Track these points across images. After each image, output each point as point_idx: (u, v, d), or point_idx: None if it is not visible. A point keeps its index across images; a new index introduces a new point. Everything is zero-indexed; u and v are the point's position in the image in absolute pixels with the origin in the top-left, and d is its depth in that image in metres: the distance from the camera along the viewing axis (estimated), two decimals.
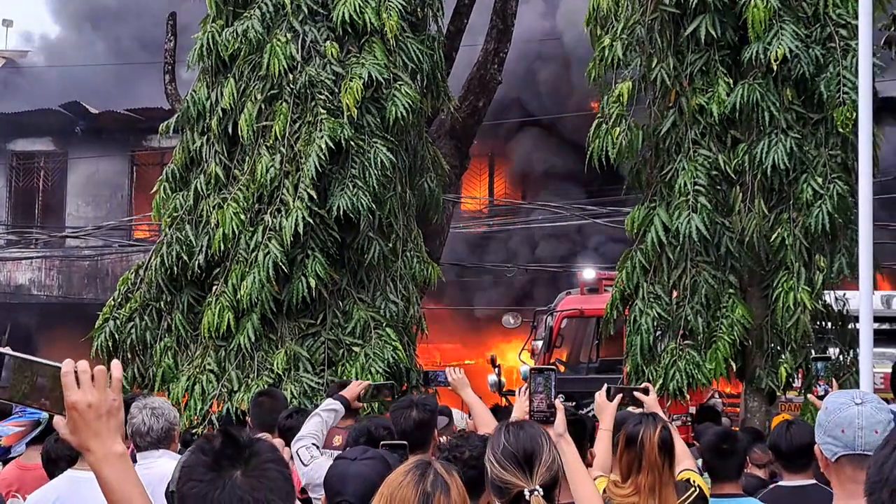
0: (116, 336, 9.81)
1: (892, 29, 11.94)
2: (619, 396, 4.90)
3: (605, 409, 4.84)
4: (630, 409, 5.00)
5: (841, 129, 8.97)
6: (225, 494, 2.19)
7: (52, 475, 5.21)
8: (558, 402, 4.16)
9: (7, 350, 2.20)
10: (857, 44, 7.69)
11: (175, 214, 9.80)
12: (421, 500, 2.78)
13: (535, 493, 3.23)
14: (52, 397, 2.16)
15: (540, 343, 16.77)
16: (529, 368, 4.76)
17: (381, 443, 4.69)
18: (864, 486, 3.14)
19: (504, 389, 16.20)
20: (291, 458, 5.26)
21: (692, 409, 11.80)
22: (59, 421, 2.17)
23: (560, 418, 4.02)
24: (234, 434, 2.32)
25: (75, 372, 2.15)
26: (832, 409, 3.19)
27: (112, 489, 2.12)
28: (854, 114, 8.52)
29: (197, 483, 2.21)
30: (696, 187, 9.16)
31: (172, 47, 13.12)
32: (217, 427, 8.27)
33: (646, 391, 5.09)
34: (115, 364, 2.21)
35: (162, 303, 9.83)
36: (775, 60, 8.94)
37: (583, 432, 4.20)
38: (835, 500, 3.19)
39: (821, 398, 3.58)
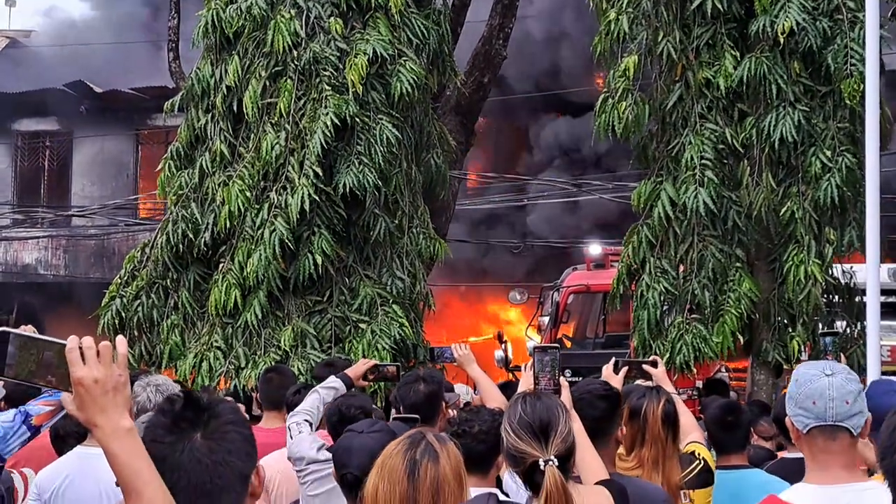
0: (123, 314, 9.82)
1: None
2: (625, 369, 4.89)
3: (611, 382, 4.84)
4: (638, 382, 5.00)
5: (848, 102, 8.93)
6: (184, 457, 2.22)
7: (60, 452, 5.22)
8: (563, 380, 4.18)
9: (11, 329, 2.20)
10: (864, 15, 7.64)
11: (180, 192, 9.80)
12: (408, 467, 2.81)
13: (550, 462, 3.25)
14: (59, 374, 2.16)
15: (546, 319, 16.78)
16: (533, 347, 4.76)
17: (393, 416, 4.70)
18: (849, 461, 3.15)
19: (511, 365, 16.22)
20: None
21: (699, 383, 11.81)
22: (66, 397, 2.17)
23: (566, 395, 4.04)
24: (195, 396, 2.34)
25: (80, 348, 2.15)
26: (803, 380, 3.19)
27: (120, 464, 2.12)
28: (861, 86, 8.48)
29: (157, 444, 2.24)
30: (703, 161, 9.13)
31: (176, 25, 13.08)
32: None
33: (654, 364, 5.09)
34: (120, 340, 2.22)
35: (168, 280, 9.84)
36: (782, 33, 8.90)
37: (615, 407, 4.20)
38: (807, 473, 3.20)
39: None
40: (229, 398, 2.45)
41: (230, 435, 2.30)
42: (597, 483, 3.64)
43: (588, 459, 3.71)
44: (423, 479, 2.81)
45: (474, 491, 3.51)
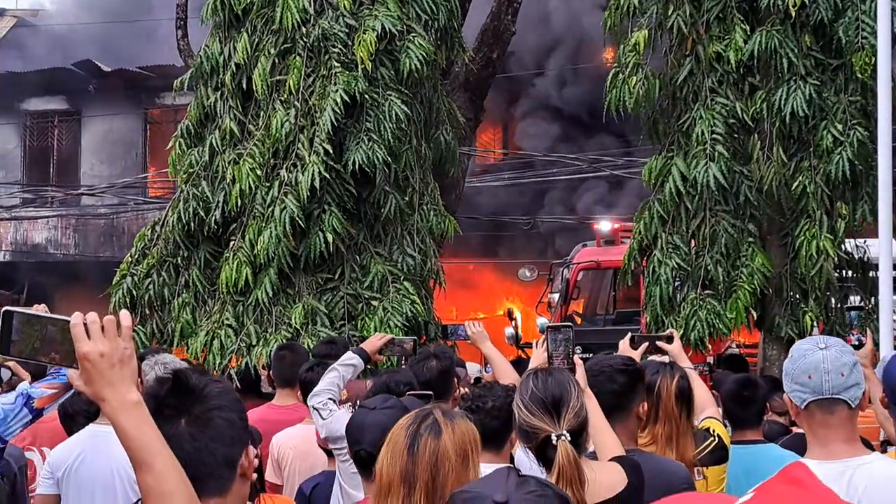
0: (134, 292, 9.83)
1: None
2: (644, 345, 4.88)
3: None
4: (653, 357, 4.98)
5: (860, 75, 8.87)
6: (168, 444, 2.22)
7: (69, 431, 5.24)
8: (577, 359, 4.18)
9: (14, 308, 2.20)
10: None
11: (191, 171, 9.79)
12: (408, 441, 2.82)
13: (563, 437, 3.25)
14: (63, 351, 2.16)
15: (556, 296, 16.77)
16: (546, 326, 4.75)
17: (408, 392, 4.70)
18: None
19: (521, 342, 16.24)
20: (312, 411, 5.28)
21: (709, 359, 11.80)
22: (72, 374, 2.17)
23: (580, 373, 4.03)
24: (183, 378, 2.33)
25: (85, 324, 2.14)
26: (797, 356, 3.18)
27: (130, 437, 2.12)
28: (873, 59, 8.43)
29: None
30: (714, 136, 9.09)
31: (184, 2, 13.04)
32: (235, 379, 8.30)
33: (670, 339, 5.06)
34: (124, 313, 2.21)
35: (179, 259, 9.84)
36: (793, 6, 8.84)
37: (635, 382, 4.18)
38: (809, 449, 3.19)
39: (855, 347, 3.57)
40: (220, 379, 2.43)
41: (214, 421, 2.30)
42: (611, 459, 3.63)
43: (602, 435, 3.71)
44: (422, 453, 2.82)
45: (486, 467, 3.52)
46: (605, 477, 3.51)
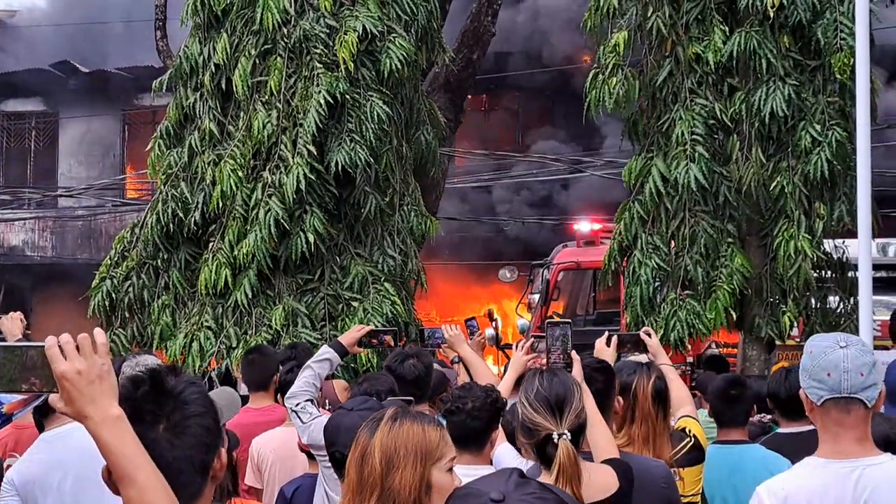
0: (113, 295, 9.79)
1: None
2: (615, 341, 4.90)
3: (603, 355, 4.85)
4: (631, 357, 5.00)
5: (839, 76, 8.92)
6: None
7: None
8: (574, 354, 4.22)
9: None
10: None
11: (170, 172, 9.75)
12: (366, 439, 2.84)
13: (564, 436, 3.32)
14: (43, 375, 2.16)
15: (536, 296, 16.78)
16: (547, 322, 4.78)
17: (389, 397, 4.67)
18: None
19: (502, 343, 16.23)
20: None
21: (689, 360, 11.83)
22: (54, 398, 2.17)
23: (577, 369, 4.08)
24: (159, 381, 2.32)
25: (59, 345, 2.14)
26: (817, 352, 3.18)
27: (113, 451, 2.12)
28: (851, 60, 8.47)
29: None
30: (694, 136, 9.12)
31: (163, 3, 12.98)
32: (216, 382, 8.27)
33: (647, 335, 5.08)
34: (98, 330, 2.22)
35: (159, 261, 9.80)
36: (772, 7, 8.88)
37: (612, 379, 4.22)
38: (820, 444, 3.20)
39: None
40: (195, 380, 2.42)
41: (193, 429, 2.30)
42: (603, 461, 3.67)
43: (598, 437, 3.75)
44: (373, 451, 2.82)
45: (466, 468, 3.51)
46: (600, 478, 3.55)
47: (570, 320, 4.71)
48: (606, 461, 3.67)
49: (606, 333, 4.99)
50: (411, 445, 2.81)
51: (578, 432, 3.43)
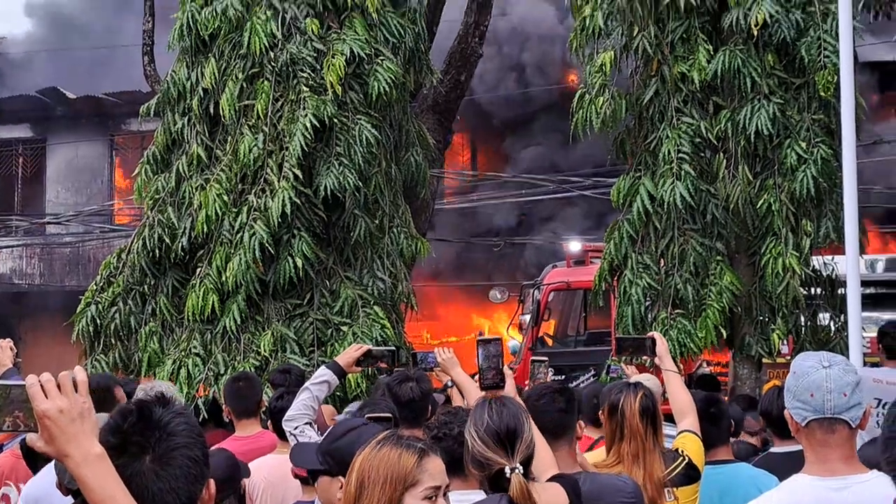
0: (98, 321, 9.73)
1: None
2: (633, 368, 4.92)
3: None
4: (632, 368, 5.01)
5: (823, 94, 8.95)
6: (132, 483, 2.20)
7: (34, 469, 5.15)
8: (507, 370, 4.23)
9: None
10: (836, 7, 7.65)
11: (157, 197, 9.73)
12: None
13: (517, 471, 3.30)
14: (27, 410, 2.15)
15: (527, 317, 16.76)
16: (477, 339, 4.78)
17: (368, 415, 4.64)
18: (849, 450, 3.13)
19: None
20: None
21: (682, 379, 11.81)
22: (32, 437, 2.16)
23: (510, 385, 4.08)
24: (146, 412, 2.32)
25: (40, 384, 2.14)
26: (800, 372, 3.17)
27: (93, 489, 2.12)
28: (835, 77, 8.51)
29: None
30: (681, 155, 9.14)
31: (150, 28, 12.99)
32: (203, 410, 8.21)
33: (653, 341, 5.07)
34: (79, 369, 2.22)
35: (146, 286, 9.76)
36: (756, 26, 8.92)
37: (572, 401, 4.23)
38: (806, 464, 3.19)
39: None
40: (183, 411, 2.41)
41: (178, 460, 2.29)
42: (550, 479, 3.66)
43: (541, 455, 3.74)
44: (351, 473, 2.85)
45: (455, 494, 3.49)
46: (551, 498, 3.53)
47: (500, 336, 4.69)
48: (553, 478, 3.66)
49: (616, 337, 4.99)
50: (383, 470, 2.82)
51: (528, 463, 3.40)
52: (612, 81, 9.47)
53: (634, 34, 9.36)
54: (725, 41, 9.21)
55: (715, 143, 9.25)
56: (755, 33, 8.98)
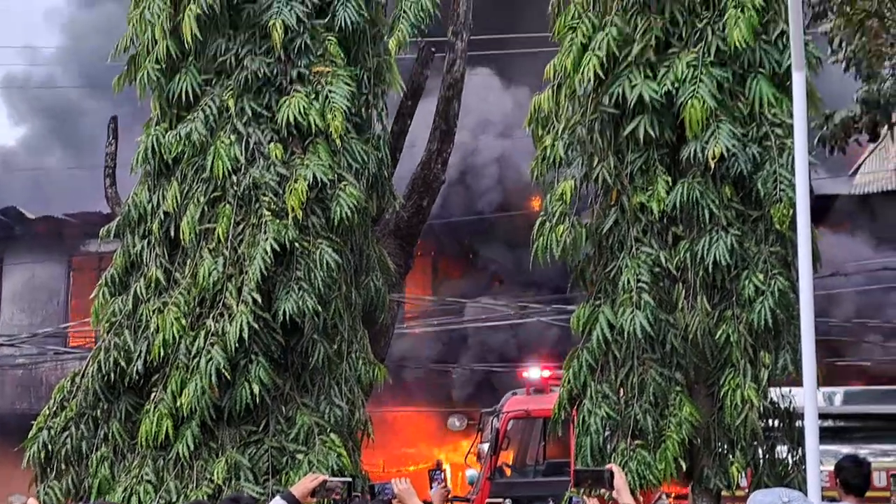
0: (50, 447, 9.49)
1: (825, 128, 12.26)
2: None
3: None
4: (593, 502, 4.93)
5: (779, 227, 9.09)
6: None
7: None
8: None
9: None
10: (792, 142, 7.84)
11: (113, 320, 9.62)
12: None
13: None
14: None
15: (486, 446, 16.56)
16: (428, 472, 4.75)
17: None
18: None
19: (451, 496, 15.92)
20: None
21: None
22: None
23: None
24: None
25: None
26: None
27: None
28: (791, 211, 8.66)
29: None
30: (640, 284, 9.18)
31: (113, 150, 13.03)
32: None
33: (611, 474, 5.02)
34: (31, 501, 2.13)
35: (99, 411, 9.56)
36: (713, 159, 9.08)
37: None
38: None
39: None
40: None
41: None
42: None
43: None
44: None
45: None
46: None
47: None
48: None
49: (574, 470, 4.94)
50: None
51: None
52: (572, 210, 9.57)
53: (594, 164, 9.51)
54: (684, 173, 9.36)
55: (674, 272, 9.32)
56: (712, 166, 9.14)
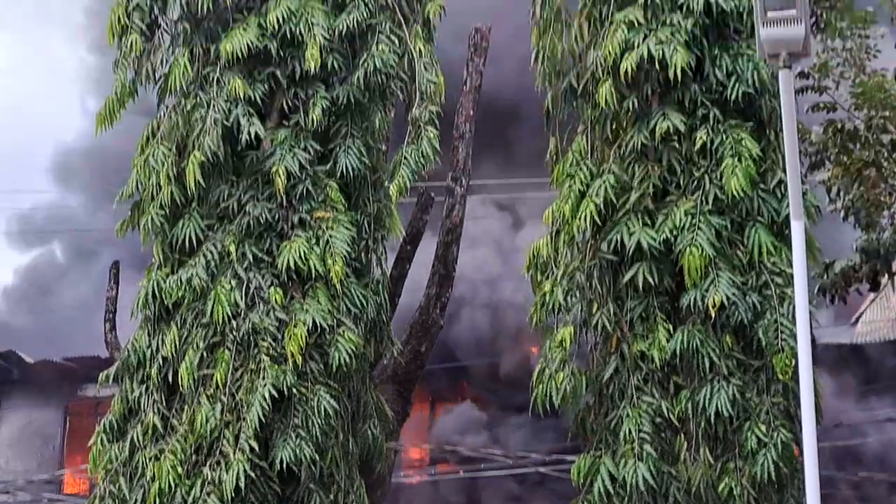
0: None
1: (825, 277, 12.26)
2: None
3: None
4: None
5: (781, 377, 8.98)
6: None
7: None
8: None
9: None
10: (792, 291, 7.81)
11: (109, 467, 9.46)
12: None
13: None
14: None
15: None
16: None
17: None
18: None
19: None
20: None
21: None
22: None
23: None
24: None
25: None
26: None
27: None
28: (793, 361, 8.58)
29: None
30: (642, 434, 9.03)
31: (114, 296, 13.05)
32: None
33: None
34: None
35: None
36: (713, 307, 9.04)
37: None
38: None
39: None
40: None
41: None
42: None
43: None
44: None
45: None
46: None
47: None
48: None
49: None
50: None
51: None
52: (571, 357, 9.49)
53: (594, 311, 9.48)
54: (684, 320, 9.31)
55: (676, 423, 9.17)
56: (713, 314, 9.10)
